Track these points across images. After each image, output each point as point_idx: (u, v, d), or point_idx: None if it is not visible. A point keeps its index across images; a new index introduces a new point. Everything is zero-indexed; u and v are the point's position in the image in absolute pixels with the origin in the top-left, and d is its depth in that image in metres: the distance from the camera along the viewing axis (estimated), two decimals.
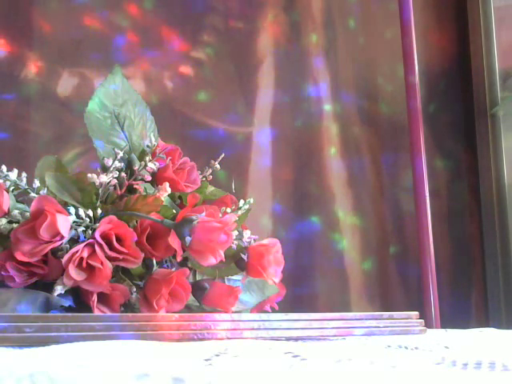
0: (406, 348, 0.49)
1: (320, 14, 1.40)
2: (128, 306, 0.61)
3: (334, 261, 1.30)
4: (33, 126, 1.20)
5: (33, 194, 0.62)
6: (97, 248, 0.56)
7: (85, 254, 0.56)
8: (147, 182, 0.66)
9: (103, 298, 0.58)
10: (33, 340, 0.45)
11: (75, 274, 0.55)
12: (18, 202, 0.62)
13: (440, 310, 1.19)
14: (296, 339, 0.56)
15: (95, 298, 0.57)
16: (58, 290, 0.56)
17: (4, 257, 0.58)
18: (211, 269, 0.65)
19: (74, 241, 0.59)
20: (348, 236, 1.32)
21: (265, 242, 0.66)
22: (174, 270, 0.62)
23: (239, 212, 0.68)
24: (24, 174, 0.64)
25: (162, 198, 0.63)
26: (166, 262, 0.64)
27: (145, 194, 0.64)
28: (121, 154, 0.65)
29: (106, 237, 0.58)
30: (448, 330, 0.75)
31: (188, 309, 0.62)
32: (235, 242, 0.64)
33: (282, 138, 1.32)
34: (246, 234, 0.66)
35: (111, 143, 0.71)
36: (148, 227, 0.61)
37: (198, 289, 0.63)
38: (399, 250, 1.35)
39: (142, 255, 0.59)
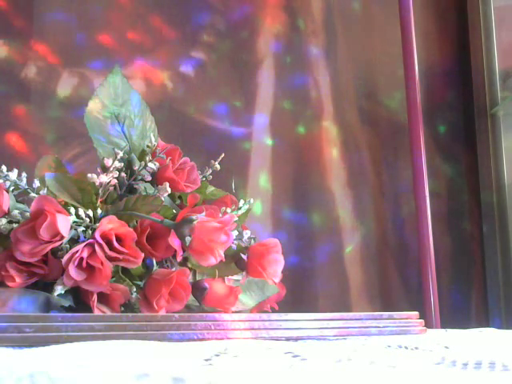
0: (406, 348, 0.49)
1: (320, 13, 1.40)
2: (128, 306, 0.61)
3: (334, 261, 1.30)
4: (33, 126, 1.20)
5: (33, 194, 0.62)
6: (97, 248, 0.56)
7: (85, 254, 0.56)
8: (147, 181, 0.66)
9: (103, 298, 0.58)
10: (33, 340, 0.45)
11: (75, 274, 0.55)
12: (18, 202, 0.62)
13: (440, 310, 1.19)
14: (296, 339, 0.56)
15: (95, 297, 0.57)
16: (58, 290, 0.56)
17: (4, 257, 0.58)
18: (211, 269, 0.65)
19: (74, 241, 0.59)
20: (348, 236, 1.32)
21: (265, 242, 0.66)
22: (173, 269, 0.62)
23: (239, 212, 0.68)
24: (24, 174, 0.64)
25: (162, 198, 0.63)
26: (165, 261, 0.64)
27: (145, 193, 0.64)
28: (121, 154, 0.65)
29: (105, 237, 0.57)
30: (448, 330, 0.75)
31: (188, 309, 0.62)
32: (235, 241, 0.64)
33: (282, 137, 1.32)
34: (246, 234, 0.66)
35: (111, 143, 0.70)
36: (148, 227, 0.61)
37: (198, 289, 0.63)
38: (399, 250, 1.35)
39: (142, 255, 0.59)
